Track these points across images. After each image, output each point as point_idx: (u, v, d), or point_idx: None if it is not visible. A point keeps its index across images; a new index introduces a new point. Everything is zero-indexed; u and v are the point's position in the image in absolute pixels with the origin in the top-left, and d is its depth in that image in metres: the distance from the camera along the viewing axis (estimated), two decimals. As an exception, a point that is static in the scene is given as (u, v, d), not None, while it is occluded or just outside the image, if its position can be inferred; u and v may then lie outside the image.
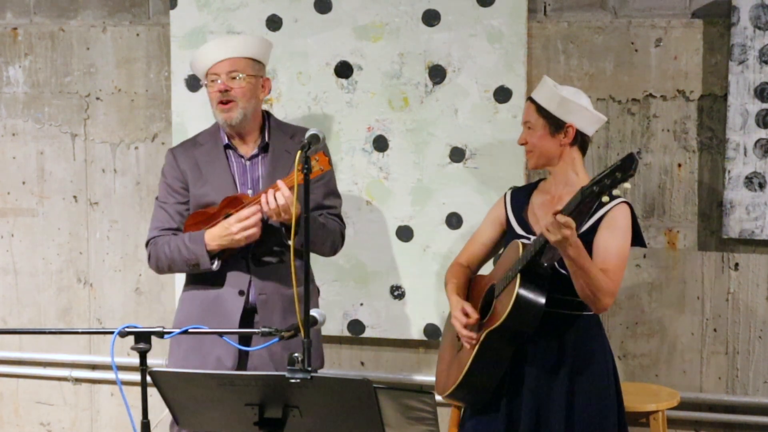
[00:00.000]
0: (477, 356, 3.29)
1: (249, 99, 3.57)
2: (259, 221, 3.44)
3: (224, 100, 3.54)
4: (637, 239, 3.33)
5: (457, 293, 3.47)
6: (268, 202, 3.37)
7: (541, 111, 3.32)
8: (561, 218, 3.00)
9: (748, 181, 4.07)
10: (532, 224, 3.38)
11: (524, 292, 3.16)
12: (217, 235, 3.48)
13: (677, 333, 4.28)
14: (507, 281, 3.23)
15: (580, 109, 3.31)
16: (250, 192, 3.59)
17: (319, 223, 3.57)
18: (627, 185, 2.94)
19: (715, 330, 4.25)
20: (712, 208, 4.18)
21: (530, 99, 3.38)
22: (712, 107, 4.15)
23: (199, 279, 3.63)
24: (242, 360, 3.59)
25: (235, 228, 3.44)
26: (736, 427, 4.29)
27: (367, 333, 4.48)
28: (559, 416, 3.28)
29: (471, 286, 3.54)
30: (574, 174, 3.36)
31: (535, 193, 3.47)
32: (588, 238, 3.24)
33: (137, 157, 4.74)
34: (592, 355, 3.32)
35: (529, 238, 3.33)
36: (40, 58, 4.81)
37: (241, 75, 3.54)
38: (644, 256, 4.25)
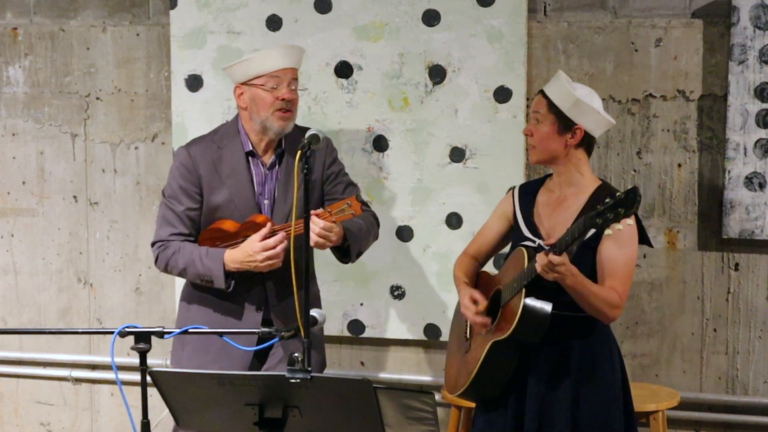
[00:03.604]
0: (483, 363, 3.29)
1: (297, 110, 3.57)
2: (283, 251, 3.41)
3: (286, 108, 3.49)
4: (643, 238, 3.31)
5: (466, 284, 3.47)
6: (315, 242, 3.37)
7: (553, 108, 3.26)
8: (555, 259, 3.01)
9: (748, 181, 4.07)
10: (538, 225, 3.36)
11: (531, 306, 3.17)
12: (237, 259, 3.44)
13: (677, 333, 4.28)
14: (513, 292, 3.22)
15: (592, 112, 3.26)
16: (266, 202, 3.55)
17: (363, 228, 3.61)
18: (630, 222, 2.94)
19: (715, 330, 4.25)
20: (712, 208, 4.18)
21: (542, 93, 3.30)
22: (712, 107, 4.15)
23: (209, 288, 3.57)
24: (253, 367, 3.59)
25: (260, 257, 3.40)
26: (736, 427, 4.29)
27: (367, 333, 4.48)
28: (562, 423, 3.26)
29: (478, 281, 3.53)
30: (579, 175, 3.33)
31: (541, 191, 3.44)
32: (593, 244, 3.22)
33: (137, 157, 4.74)
34: (597, 362, 3.30)
35: (534, 241, 3.31)
36: (40, 58, 4.81)
37: (297, 86, 3.53)
38: (644, 256, 4.25)
